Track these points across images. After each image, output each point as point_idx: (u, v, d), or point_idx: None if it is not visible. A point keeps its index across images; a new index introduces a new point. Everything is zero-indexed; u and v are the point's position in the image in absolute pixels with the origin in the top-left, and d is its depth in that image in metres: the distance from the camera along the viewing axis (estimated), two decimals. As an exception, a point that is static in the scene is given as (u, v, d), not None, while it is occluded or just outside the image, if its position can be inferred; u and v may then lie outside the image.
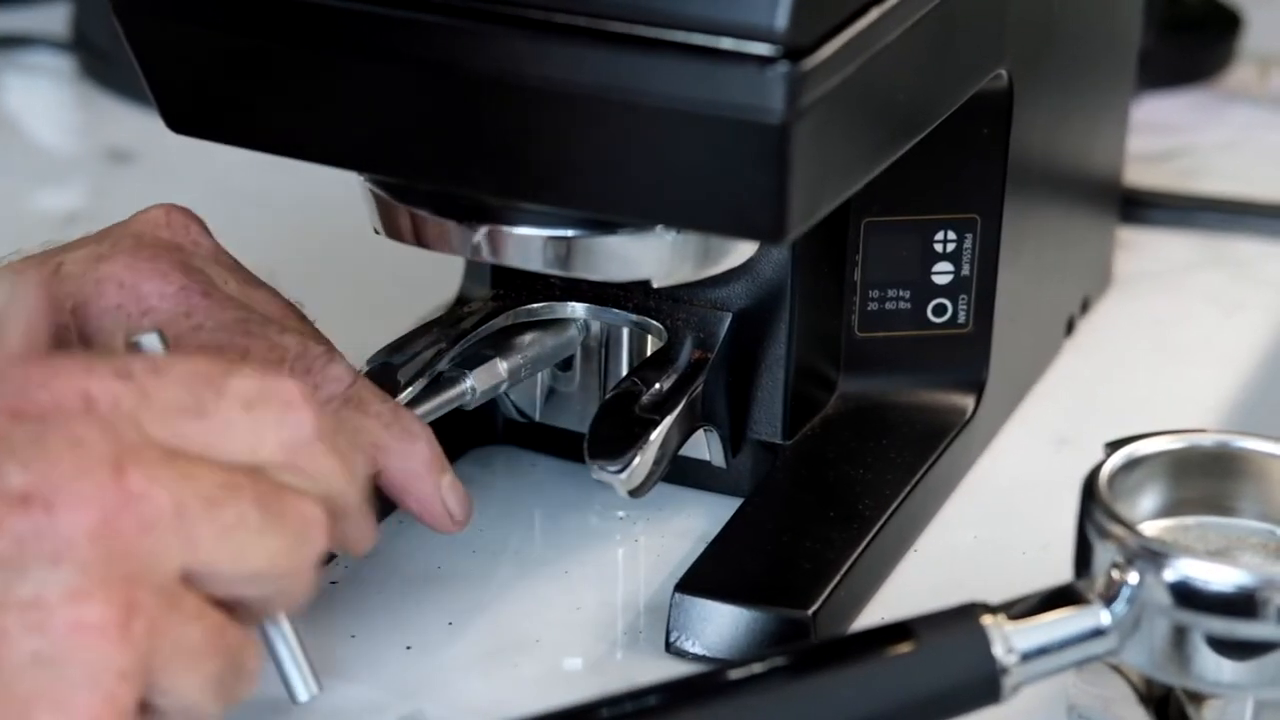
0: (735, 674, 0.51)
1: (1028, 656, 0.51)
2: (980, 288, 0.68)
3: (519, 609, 0.62)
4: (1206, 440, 0.56)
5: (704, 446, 0.65)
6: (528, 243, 0.57)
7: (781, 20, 0.49)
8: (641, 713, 0.49)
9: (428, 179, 0.57)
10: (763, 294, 0.65)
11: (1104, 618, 0.51)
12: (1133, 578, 0.51)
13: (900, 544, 0.65)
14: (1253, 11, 1.03)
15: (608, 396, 0.62)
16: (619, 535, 0.66)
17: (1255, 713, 0.54)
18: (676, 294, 0.64)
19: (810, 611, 0.59)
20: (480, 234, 0.57)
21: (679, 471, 0.66)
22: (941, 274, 0.68)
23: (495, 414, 0.69)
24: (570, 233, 0.57)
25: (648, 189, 0.54)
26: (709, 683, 0.51)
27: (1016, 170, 0.68)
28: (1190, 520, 0.56)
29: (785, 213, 0.52)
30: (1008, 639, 0.50)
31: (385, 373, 0.62)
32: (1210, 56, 1.01)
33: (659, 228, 0.57)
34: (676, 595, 0.60)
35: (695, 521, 0.66)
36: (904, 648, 0.50)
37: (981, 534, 0.66)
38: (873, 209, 0.67)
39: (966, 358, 0.69)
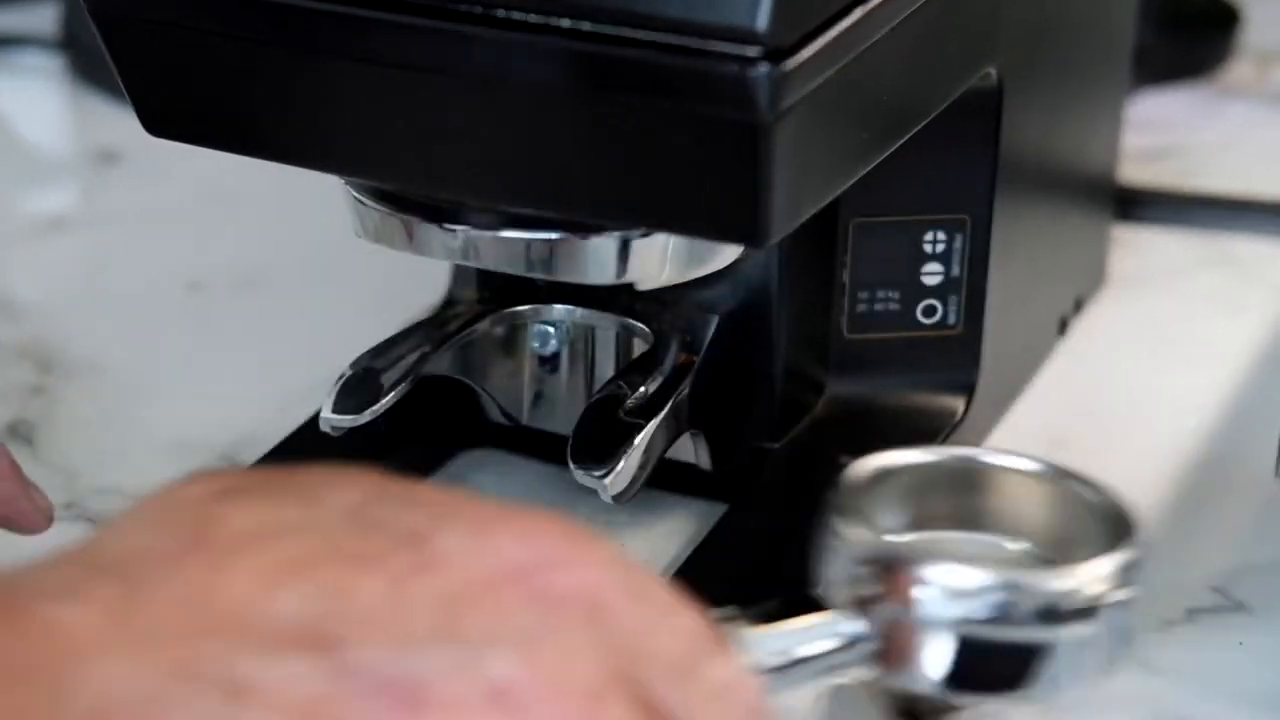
0: None
1: (773, 665, 0.48)
2: (970, 288, 0.68)
3: (504, 615, 0.62)
4: (949, 455, 0.54)
5: (690, 450, 0.65)
6: (509, 246, 0.57)
7: (763, 20, 0.49)
8: None
9: (406, 183, 0.57)
10: (750, 296, 0.64)
11: (849, 626, 0.49)
12: (874, 588, 0.48)
13: (889, 548, 0.64)
14: (1252, 7, 1.02)
15: (592, 400, 0.62)
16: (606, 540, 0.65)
17: None
18: (662, 296, 0.64)
19: (797, 617, 0.59)
20: (461, 237, 0.57)
21: (666, 475, 0.65)
22: (931, 274, 0.68)
23: (482, 417, 0.68)
24: (552, 235, 0.56)
25: (628, 192, 0.53)
26: None
27: (1007, 170, 0.67)
28: (933, 535, 0.54)
29: (767, 216, 0.52)
30: (751, 646, 0.48)
31: (368, 377, 0.62)
32: (1208, 53, 1.00)
33: (642, 230, 0.56)
34: (663, 601, 0.59)
35: (682, 526, 0.66)
36: None
37: (972, 537, 0.66)
38: (861, 209, 0.66)
39: (957, 359, 0.68)
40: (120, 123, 0.94)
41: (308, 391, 0.71)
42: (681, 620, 0.42)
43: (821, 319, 0.67)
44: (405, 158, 0.55)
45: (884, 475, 0.53)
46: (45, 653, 0.36)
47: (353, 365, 0.63)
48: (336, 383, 0.62)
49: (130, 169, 0.92)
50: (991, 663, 0.49)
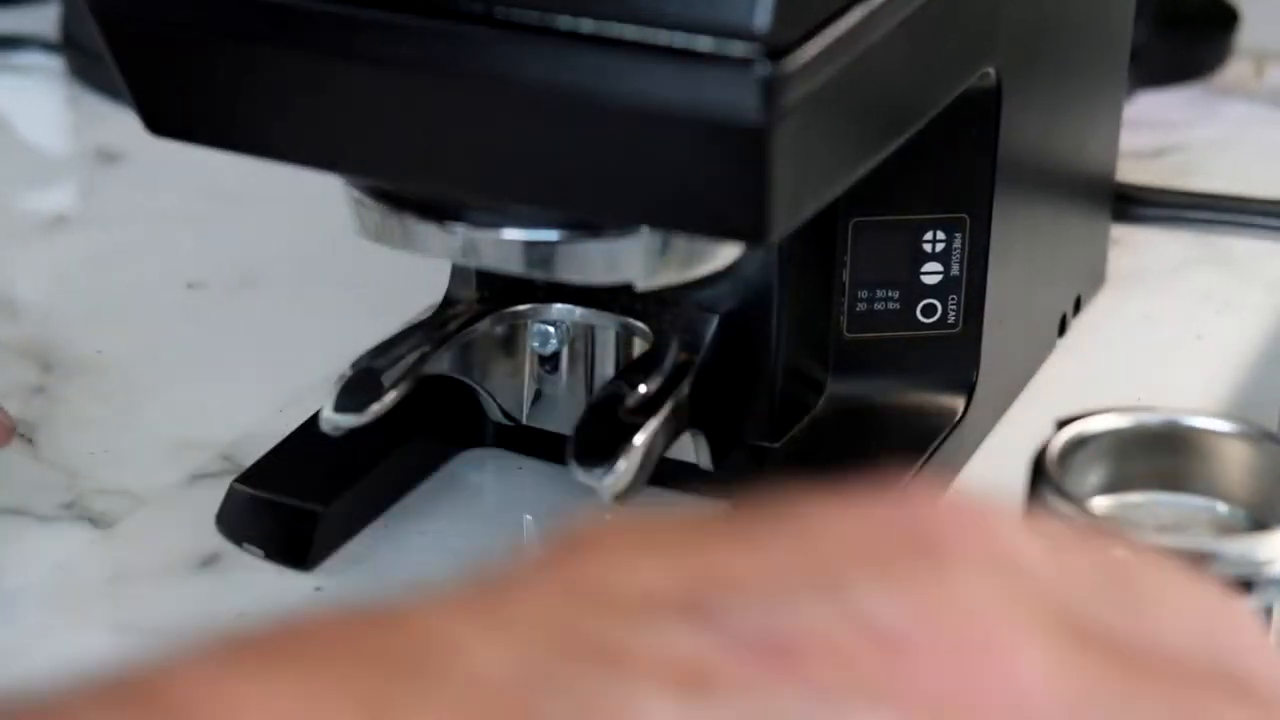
0: None
1: None
2: (970, 288, 0.68)
3: (504, 614, 0.62)
4: (1154, 417, 0.56)
5: (691, 450, 0.65)
6: (509, 246, 0.57)
7: (762, 20, 0.49)
8: None
9: (406, 181, 0.57)
10: (750, 295, 0.64)
11: None
12: None
13: (889, 547, 0.64)
14: (1249, 7, 1.02)
15: (592, 400, 0.62)
16: (606, 538, 0.65)
17: None
18: (663, 295, 0.64)
19: (797, 616, 0.59)
20: (461, 237, 0.57)
21: (666, 475, 0.65)
22: (931, 274, 0.68)
23: (483, 417, 0.69)
24: (552, 235, 0.57)
25: (629, 191, 0.53)
26: None
27: (1006, 169, 0.67)
28: (1138, 497, 0.56)
29: (768, 215, 0.52)
30: None
31: (369, 376, 0.62)
32: (1206, 53, 1.00)
33: (642, 230, 0.57)
34: (663, 599, 0.59)
35: (683, 525, 0.66)
36: None
37: (971, 536, 0.66)
38: (861, 209, 0.66)
39: (956, 358, 0.69)
40: (120, 122, 0.94)
41: (308, 391, 0.72)
42: (1098, 548, 0.37)
43: (821, 319, 0.67)
44: (406, 157, 0.55)
45: (1088, 439, 0.55)
46: (420, 647, 0.36)
47: (353, 365, 0.63)
48: (337, 383, 0.62)
49: (130, 169, 0.92)
50: None
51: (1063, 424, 0.55)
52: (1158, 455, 0.56)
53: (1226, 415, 0.56)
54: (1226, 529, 0.55)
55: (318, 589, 0.63)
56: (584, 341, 0.66)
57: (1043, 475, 0.53)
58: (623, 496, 0.60)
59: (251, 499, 0.65)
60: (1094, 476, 0.56)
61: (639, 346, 0.65)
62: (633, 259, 0.57)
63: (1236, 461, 0.56)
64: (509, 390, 0.67)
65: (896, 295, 0.68)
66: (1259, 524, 0.55)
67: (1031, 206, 0.71)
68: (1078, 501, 0.52)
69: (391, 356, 0.63)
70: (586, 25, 0.50)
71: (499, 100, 0.52)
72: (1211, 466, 0.56)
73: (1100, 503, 0.56)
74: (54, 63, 1.02)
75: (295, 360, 0.75)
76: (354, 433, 0.62)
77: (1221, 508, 0.56)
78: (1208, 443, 0.56)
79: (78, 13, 0.99)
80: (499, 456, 0.70)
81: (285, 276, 0.83)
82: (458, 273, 0.69)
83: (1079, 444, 0.55)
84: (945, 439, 0.67)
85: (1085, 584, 0.36)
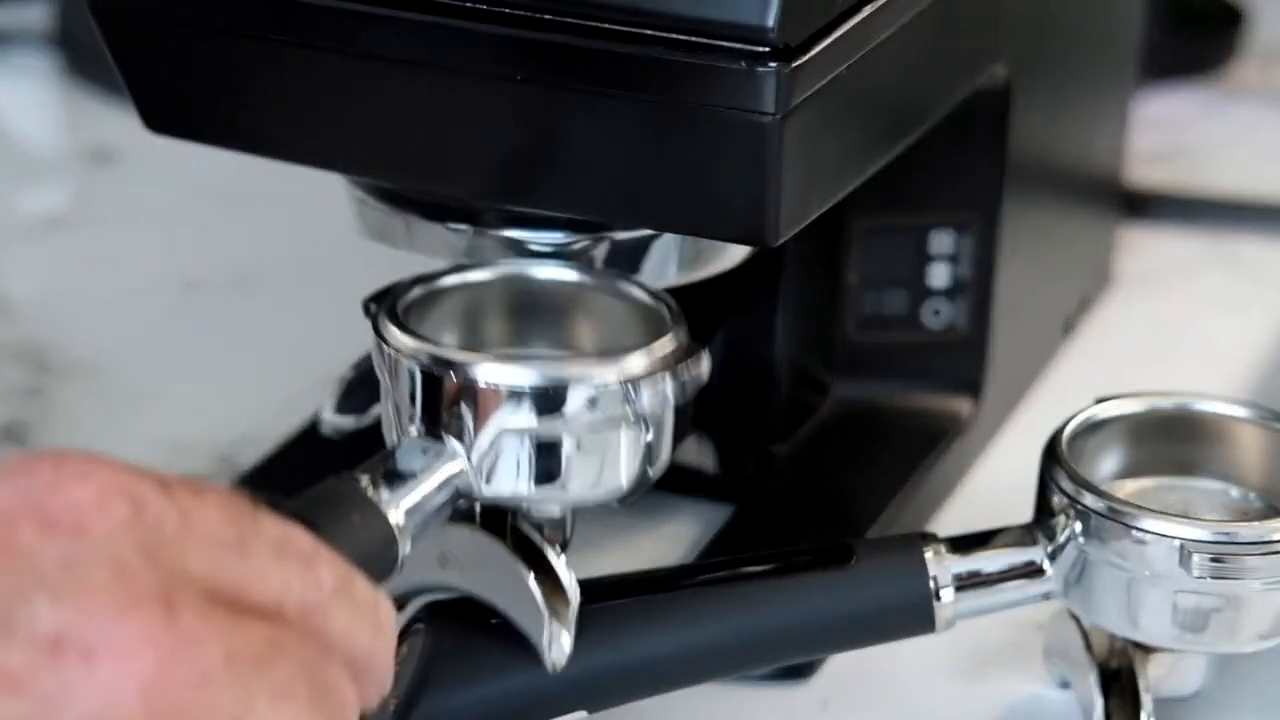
0: (665, 573, 0.54)
1: (962, 587, 0.52)
2: (977, 289, 0.67)
3: (507, 619, 0.62)
4: (1166, 403, 0.57)
5: (696, 453, 0.64)
6: (513, 245, 0.56)
7: (771, 18, 0.49)
8: None
9: (410, 181, 0.56)
10: (756, 297, 0.64)
11: (1044, 559, 0.53)
12: (1077, 526, 0.52)
13: (896, 551, 0.64)
14: (1258, 7, 1.02)
15: (597, 402, 0.61)
16: (611, 543, 0.65)
17: (1205, 668, 0.55)
18: (668, 297, 0.64)
19: (804, 621, 0.58)
20: (465, 236, 0.56)
21: (671, 478, 0.64)
22: (938, 276, 0.67)
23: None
24: (558, 236, 0.56)
25: (636, 191, 0.53)
26: (644, 578, 0.54)
27: (1014, 170, 0.67)
28: (1151, 481, 0.56)
29: (776, 215, 0.51)
30: (945, 568, 0.52)
31: (369, 378, 0.61)
32: (1214, 52, 1.00)
33: (648, 231, 0.56)
34: (668, 604, 0.59)
35: (688, 528, 0.65)
36: (841, 565, 0.52)
37: (979, 541, 0.65)
38: (868, 210, 0.66)
39: (963, 360, 0.68)
40: (114, 121, 0.94)
41: (307, 391, 0.71)
42: (216, 494, 0.41)
43: (827, 321, 0.67)
44: (409, 156, 0.55)
45: (1104, 423, 0.56)
46: None
47: (354, 367, 0.63)
48: (338, 384, 0.62)
49: (125, 168, 0.92)
50: (1196, 615, 0.52)
51: (1077, 411, 0.56)
52: (1171, 440, 0.57)
53: (1239, 400, 0.56)
54: (1240, 513, 0.55)
55: (317, 593, 0.62)
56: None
57: (1052, 454, 0.53)
58: (628, 499, 0.60)
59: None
60: (1108, 462, 0.56)
61: (643, 348, 0.64)
62: (639, 260, 0.57)
63: (1250, 446, 0.56)
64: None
65: (903, 297, 0.67)
66: (1273, 508, 0.55)
67: (1039, 207, 0.71)
68: (1076, 476, 0.52)
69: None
70: (595, 23, 0.50)
71: (505, 99, 0.52)
72: (1225, 451, 0.56)
73: (1114, 487, 0.56)
74: (48, 60, 1.01)
75: (295, 360, 0.75)
76: (354, 434, 0.61)
77: (1235, 492, 0.56)
78: (1221, 428, 0.56)
79: (72, 9, 0.99)
80: (501, 459, 0.69)
81: (284, 276, 0.82)
82: (459, 273, 0.68)
83: (1093, 429, 0.55)
84: (952, 441, 0.67)
85: (206, 536, 0.39)
